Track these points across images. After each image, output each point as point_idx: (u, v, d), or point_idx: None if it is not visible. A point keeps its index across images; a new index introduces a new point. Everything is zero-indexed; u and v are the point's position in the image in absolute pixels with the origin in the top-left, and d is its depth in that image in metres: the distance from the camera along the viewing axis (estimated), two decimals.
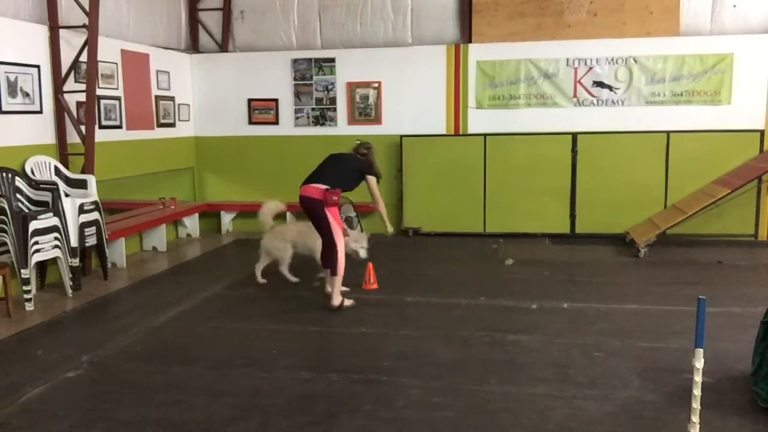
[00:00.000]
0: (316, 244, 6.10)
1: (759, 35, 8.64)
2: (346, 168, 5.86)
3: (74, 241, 6.48)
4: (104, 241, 6.96)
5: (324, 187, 5.61)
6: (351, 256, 6.20)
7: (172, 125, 9.44)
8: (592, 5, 8.68)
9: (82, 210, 6.59)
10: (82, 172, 7.02)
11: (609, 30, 8.87)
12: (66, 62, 7.00)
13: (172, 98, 9.40)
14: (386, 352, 4.73)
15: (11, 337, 5.16)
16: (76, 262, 6.49)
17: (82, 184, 6.87)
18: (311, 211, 5.70)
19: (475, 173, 9.13)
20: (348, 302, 5.82)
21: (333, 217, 5.70)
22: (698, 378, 2.86)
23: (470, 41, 9.23)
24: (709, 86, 8.73)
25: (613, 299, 5.98)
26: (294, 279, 6.61)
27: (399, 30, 9.53)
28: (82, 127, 7.00)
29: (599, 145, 8.86)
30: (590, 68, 8.95)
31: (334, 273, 5.72)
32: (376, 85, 9.52)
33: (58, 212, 6.27)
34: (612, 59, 8.89)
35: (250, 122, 9.90)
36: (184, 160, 9.85)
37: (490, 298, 6.09)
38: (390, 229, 6.16)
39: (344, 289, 5.96)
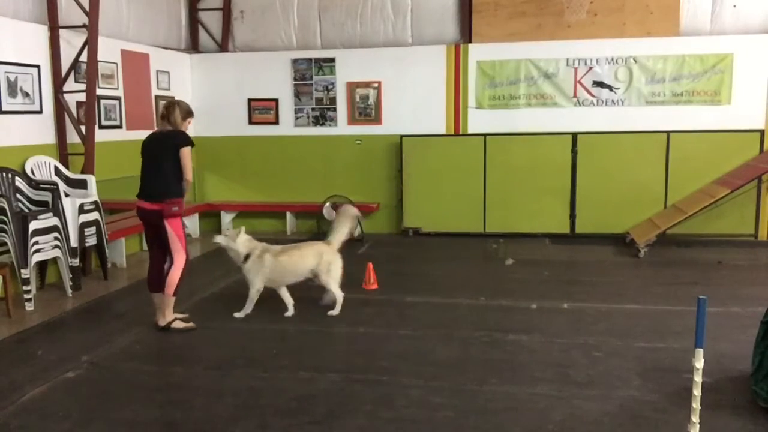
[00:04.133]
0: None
1: (759, 35, 8.64)
2: (169, 166, 5.08)
3: (74, 241, 6.48)
4: (104, 241, 6.96)
5: (160, 199, 5.07)
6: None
7: None
8: (592, 5, 8.68)
9: (82, 210, 6.59)
10: (82, 172, 7.02)
11: (609, 30, 8.87)
12: (66, 62, 7.00)
13: (172, 98, 9.39)
14: (386, 352, 4.73)
15: (11, 337, 5.17)
16: (76, 262, 6.50)
17: (82, 184, 6.87)
18: (148, 222, 5.24)
19: (475, 173, 9.13)
20: (181, 324, 5.24)
21: (174, 229, 5.14)
22: (698, 378, 2.86)
23: (470, 41, 9.23)
24: (709, 86, 8.73)
25: (613, 299, 5.98)
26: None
27: (399, 30, 9.53)
28: (82, 127, 7.01)
29: (599, 145, 8.86)
30: (590, 68, 8.95)
31: (167, 292, 5.13)
32: (376, 85, 9.52)
33: (58, 212, 6.27)
34: (612, 59, 8.89)
35: (250, 122, 9.90)
36: None
37: (490, 298, 6.09)
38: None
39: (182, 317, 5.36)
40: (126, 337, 5.13)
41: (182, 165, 5.06)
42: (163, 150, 5.08)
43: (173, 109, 5.13)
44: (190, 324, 5.31)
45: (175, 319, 5.26)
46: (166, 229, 5.12)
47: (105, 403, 3.94)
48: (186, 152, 5.05)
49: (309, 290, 6.44)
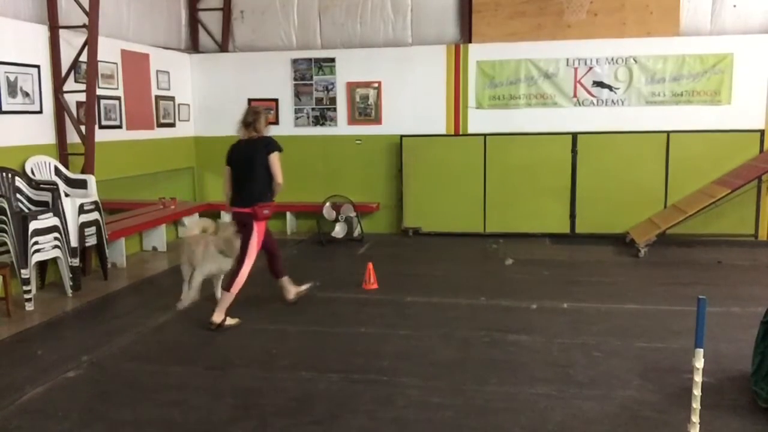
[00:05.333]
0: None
1: (759, 35, 8.64)
2: (261, 172, 5.33)
3: (74, 241, 6.48)
4: (104, 241, 6.96)
5: (253, 203, 5.28)
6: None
7: (172, 125, 9.44)
8: (592, 5, 8.67)
9: (82, 210, 6.59)
10: (82, 172, 7.02)
11: (609, 30, 8.87)
12: (66, 62, 7.00)
13: (172, 98, 9.40)
14: (386, 352, 4.73)
15: (11, 337, 5.17)
16: (76, 262, 6.49)
17: (82, 184, 6.87)
18: (241, 223, 5.38)
19: (475, 173, 9.13)
20: (231, 321, 5.37)
21: (258, 233, 5.35)
22: (698, 378, 2.86)
23: (470, 41, 9.23)
24: (709, 86, 8.73)
25: (613, 299, 5.98)
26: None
27: (399, 30, 9.53)
28: (82, 127, 7.01)
29: (599, 145, 8.86)
30: (590, 68, 8.95)
31: (228, 289, 5.35)
32: (376, 85, 9.52)
33: (58, 212, 6.27)
34: (612, 59, 8.89)
35: None
36: (184, 160, 9.85)
37: (490, 298, 6.09)
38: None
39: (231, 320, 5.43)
40: (126, 337, 5.13)
41: (272, 169, 5.33)
42: (256, 157, 5.30)
43: (259, 117, 5.37)
44: (236, 320, 5.42)
45: (226, 317, 5.34)
46: (253, 230, 5.29)
47: (105, 403, 3.94)
48: (276, 157, 5.33)
49: (310, 290, 6.45)
